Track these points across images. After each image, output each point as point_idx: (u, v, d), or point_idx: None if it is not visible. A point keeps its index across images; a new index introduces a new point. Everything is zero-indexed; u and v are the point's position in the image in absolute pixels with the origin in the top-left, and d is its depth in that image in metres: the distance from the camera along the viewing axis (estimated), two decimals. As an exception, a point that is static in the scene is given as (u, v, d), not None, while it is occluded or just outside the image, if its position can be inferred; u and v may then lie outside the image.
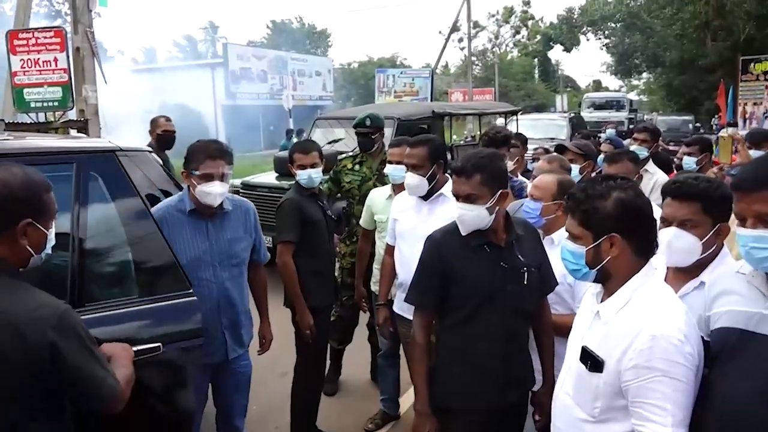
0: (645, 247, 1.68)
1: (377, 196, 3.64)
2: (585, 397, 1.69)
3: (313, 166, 3.27)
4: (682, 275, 1.91)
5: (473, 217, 2.16)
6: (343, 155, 4.55)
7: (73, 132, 9.11)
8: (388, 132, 7.49)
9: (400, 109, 8.86)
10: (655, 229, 1.74)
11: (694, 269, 1.89)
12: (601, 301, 1.72)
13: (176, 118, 7.07)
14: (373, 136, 4.14)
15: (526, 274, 2.20)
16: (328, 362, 4.03)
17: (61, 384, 1.52)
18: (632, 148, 4.94)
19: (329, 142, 4.40)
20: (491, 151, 2.36)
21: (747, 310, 1.51)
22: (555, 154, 3.37)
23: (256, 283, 3.00)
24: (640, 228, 1.68)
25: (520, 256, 2.20)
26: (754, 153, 3.86)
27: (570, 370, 1.78)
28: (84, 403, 1.60)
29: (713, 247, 1.87)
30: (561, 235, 2.51)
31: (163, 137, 5.34)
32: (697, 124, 25.64)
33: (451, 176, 2.30)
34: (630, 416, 1.58)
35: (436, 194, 2.94)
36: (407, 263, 2.85)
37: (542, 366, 2.35)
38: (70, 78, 9.17)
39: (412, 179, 2.91)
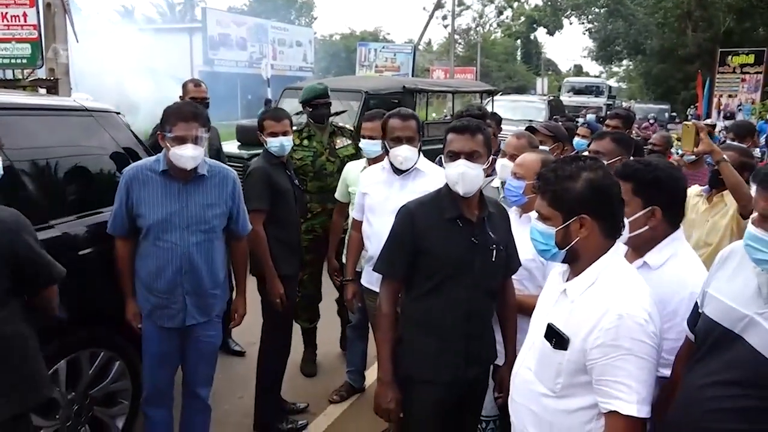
0: (613, 228, 1.69)
1: (352, 168, 3.61)
2: (547, 373, 1.70)
3: (284, 133, 3.24)
4: (632, 255, 1.95)
5: (476, 175, 2.16)
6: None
7: (42, 91, 8.86)
8: (355, 106, 7.40)
9: (368, 83, 8.71)
10: (622, 210, 1.74)
11: (644, 250, 1.94)
12: (567, 280, 1.73)
13: (150, 83, 6.90)
14: (328, 108, 4.07)
15: (494, 251, 2.21)
16: (301, 344, 4.02)
17: (24, 268, 1.93)
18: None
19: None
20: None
21: (737, 308, 1.51)
22: (523, 130, 3.36)
23: (236, 256, 2.94)
24: (609, 209, 1.68)
25: (491, 233, 2.21)
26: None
27: (533, 346, 1.79)
28: (41, 282, 2.04)
29: (644, 228, 1.92)
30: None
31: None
32: (673, 113, 25.99)
33: (448, 135, 2.24)
34: (589, 392, 1.61)
35: (411, 168, 2.92)
36: (377, 237, 2.82)
37: (504, 344, 2.37)
38: (40, 35, 8.87)
39: (410, 151, 2.87)
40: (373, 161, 3.42)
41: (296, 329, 3.63)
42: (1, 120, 2.54)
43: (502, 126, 5.48)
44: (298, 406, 3.55)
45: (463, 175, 2.14)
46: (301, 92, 4.16)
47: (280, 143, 3.23)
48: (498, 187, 3.27)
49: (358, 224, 3.17)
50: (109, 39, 14.04)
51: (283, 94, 8.26)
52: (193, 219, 2.64)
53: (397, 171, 2.94)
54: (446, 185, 2.24)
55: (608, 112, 7.28)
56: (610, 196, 1.68)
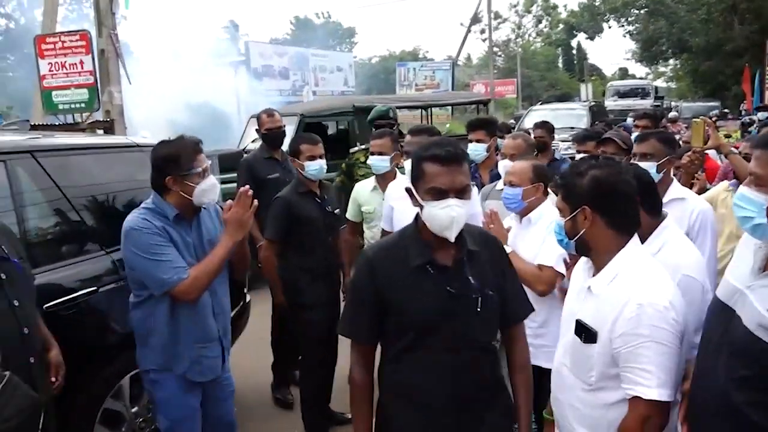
0: (625, 223, 1.79)
1: (362, 188, 3.75)
2: (581, 367, 1.80)
3: (321, 156, 3.37)
4: None
5: (466, 215, 1.78)
6: (356, 149, 4.62)
7: (99, 132, 9.41)
8: (290, 129, 7.55)
9: (310, 105, 8.84)
10: (636, 207, 1.83)
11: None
12: (592, 276, 1.82)
13: (201, 117, 7.23)
14: (392, 128, 4.23)
15: (479, 299, 1.79)
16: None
17: None
18: (634, 135, 5.01)
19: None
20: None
21: (733, 283, 1.57)
22: (519, 132, 3.64)
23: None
24: (613, 203, 1.78)
25: (472, 279, 1.79)
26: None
27: (566, 342, 1.89)
28: None
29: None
30: (537, 214, 2.68)
31: (268, 136, 4.38)
32: (725, 110, 25.12)
33: (425, 164, 1.76)
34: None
35: None
36: None
37: (517, 408, 1.92)
38: (95, 80, 9.40)
39: None
40: (381, 177, 3.58)
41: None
42: (66, 159, 2.84)
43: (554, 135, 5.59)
44: (345, 416, 3.68)
45: (457, 220, 1.73)
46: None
47: (319, 166, 3.34)
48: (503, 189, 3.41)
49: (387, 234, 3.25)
50: (160, 79, 14.75)
51: (249, 122, 8.16)
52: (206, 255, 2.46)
53: None
54: (412, 225, 1.87)
55: (635, 114, 7.21)
56: (613, 191, 1.78)
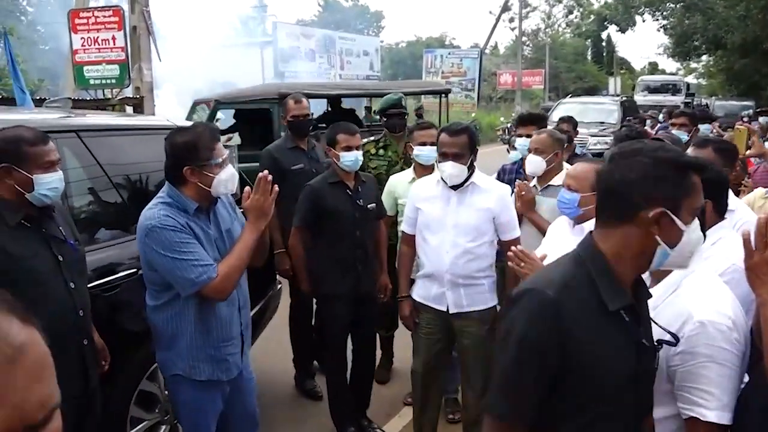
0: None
1: (399, 180, 3.67)
2: None
3: (358, 147, 3.28)
4: None
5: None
6: (365, 140, 4.31)
7: (128, 109, 9.46)
8: (204, 115, 7.38)
9: (231, 91, 8.62)
10: (704, 215, 1.74)
11: None
12: (649, 287, 1.74)
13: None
14: (405, 117, 4.13)
15: (656, 352, 1.46)
16: (379, 351, 4.10)
17: None
18: (672, 132, 4.91)
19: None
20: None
21: None
22: (548, 128, 3.67)
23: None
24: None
25: (654, 324, 1.49)
26: None
27: None
28: None
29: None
30: (592, 224, 2.53)
31: (294, 124, 3.96)
32: (758, 110, 24.53)
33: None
34: (674, 401, 1.62)
35: (467, 183, 2.89)
36: (436, 253, 2.87)
37: None
38: (127, 56, 9.45)
39: (454, 168, 2.80)
40: (423, 169, 3.52)
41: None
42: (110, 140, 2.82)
43: (578, 129, 5.49)
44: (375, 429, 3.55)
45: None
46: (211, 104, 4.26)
47: (355, 157, 3.25)
48: (535, 186, 3.32)
49: (409, 238, 3.09)
50: (188, 57, 14.79)
51: (193, 109, 7.93)
52: (228, 248, 2.32)
53: (453, 186, 2.89)
54: (591, 250, 1.39)
55: (674, 111, 7.08)
56: None
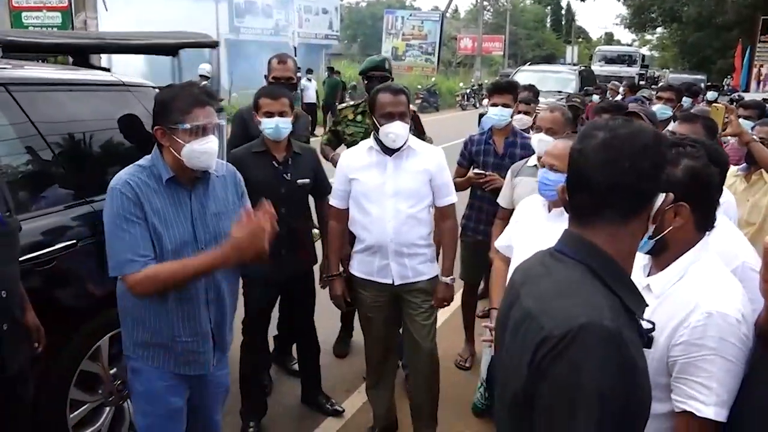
0: (709, 221, 1.59)
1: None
2: None
3: (281, 114, 2.90)
4: None
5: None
6: (344, 105, 4.06)
7: (70, 60, 8.88)
8: None
9: None
10: (718, 201, 1.62)
11: None
12: (649, 274, 1.62)
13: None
14: (387, 80, 3.72)
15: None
16: (338, 324, 3.98)
17: None
18: (655, 107, 4.88)
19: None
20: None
21: None
22: (557, 103, 3.34)
23: None
24: (707, 198, 1.57)
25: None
26: (745, 122, 3.71)
27: None
28: None
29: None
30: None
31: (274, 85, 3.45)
32: (709, 83, 25.18)
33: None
34: (669, 396, 1.52)
35: (403, 147, 2.74)
36: (377, 224, 2.73)
37: None
38: (70, 3, 8.88)
39: (402, 128, 2.66)
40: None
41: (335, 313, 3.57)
42: (43, 95, 2.53)
43: (538, 98, 5.37)
44: (336, 409, 3.44)
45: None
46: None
47: (275, 125, 2.88)
48: (536, 165, 3.14)
49: (339, 213, 2.89)
50: (137, 7, 14.02)
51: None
52: (210, 235, 2.08)
53: (388, 151, 2.73)
54: (590, 264, 1.18)
55: (641, 83, 7.10)
56: (710, 186, 1.56)
